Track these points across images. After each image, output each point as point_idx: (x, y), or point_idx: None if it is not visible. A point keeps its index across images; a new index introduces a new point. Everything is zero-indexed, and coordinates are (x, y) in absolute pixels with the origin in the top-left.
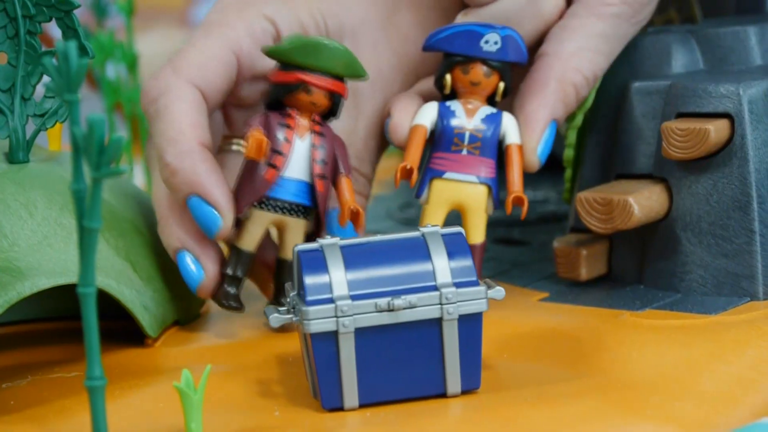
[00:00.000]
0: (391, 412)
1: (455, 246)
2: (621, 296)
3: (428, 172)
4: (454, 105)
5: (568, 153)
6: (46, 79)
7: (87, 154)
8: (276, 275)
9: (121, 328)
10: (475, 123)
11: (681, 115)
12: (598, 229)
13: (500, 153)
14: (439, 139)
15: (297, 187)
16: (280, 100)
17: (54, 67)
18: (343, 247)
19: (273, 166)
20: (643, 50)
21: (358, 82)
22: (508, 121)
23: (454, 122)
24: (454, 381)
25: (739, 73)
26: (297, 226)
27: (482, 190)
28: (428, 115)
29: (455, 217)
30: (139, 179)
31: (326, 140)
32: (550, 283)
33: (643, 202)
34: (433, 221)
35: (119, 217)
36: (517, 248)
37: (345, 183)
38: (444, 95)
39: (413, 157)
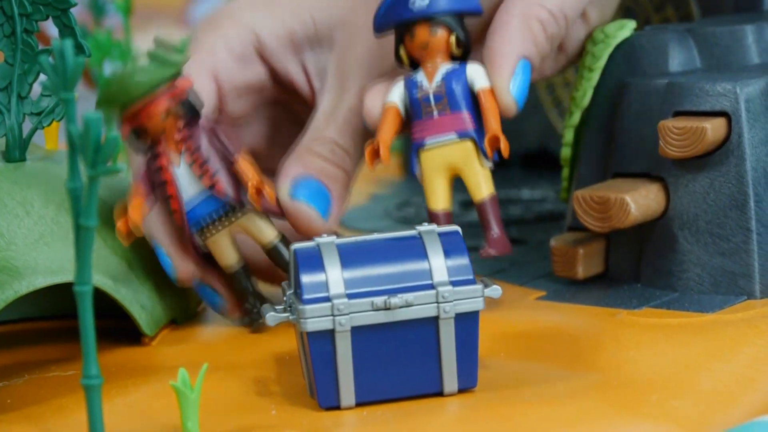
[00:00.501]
0: (387, 411)
1: (452, 244)
2: (618, 295)
3: (413, 146)
4: (417, 74)
5: (566, 152)
6: (42, 77)
7: (83, 152)
8: (274, 261)
9: (118, 326)
10: (436, 82)
11: (678, 114)
12: (595, 227)
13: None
14: (412, 111)
15: (208, 201)
16: (145, 145)
17: (50, 65)
18: (339, 246)
19: (174, 210)
20: (641, 48)
21: (348, 61)
22: (472, 69)
23: (418, 89)
24: (450, 380)
25: (736, 71)
26: (248, 220)
27: (467, 145)
28: (396, 92)
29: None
30: None
31: (197, 144)
32: (547, 281)
33: (640, 200)
34: (436, 192)
35: None
36: (515, 247)
37: (240, 165)
38: (411, 68)
39: (383, 136)
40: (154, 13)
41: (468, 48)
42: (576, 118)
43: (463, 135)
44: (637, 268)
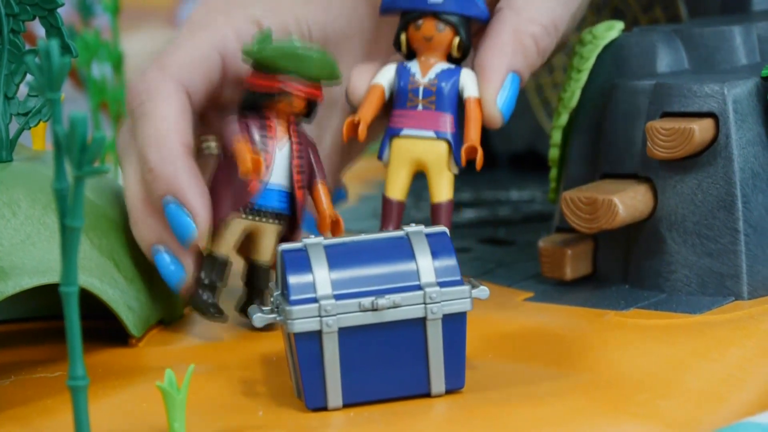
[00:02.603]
0: (375, 412)
1: (439, 245)
2: (606, 296)
3: (387, 131)
4: (412, 64)
5: (554, 152)
6: (29, 77)
7: (69, 152)
8: (249, 279)
9: (105, 327)
10: (429, 77)
11: (666, 115)
12: (583, 228)
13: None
14: (397, 98)
15: (278, 196)
16: (257, 105)
17: (36, 65)
18: (327, 247)
19: (255, 174)
20: (629, 49)
21: (336, 96)
22: (466, 75)
23: (410, 79)
24: (438, 381)
25: (724, 72)
26: (272, 231)
27: (442, 146)
28: (385, 75)
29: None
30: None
31: (303, 147)
32: (534, 282)
33: (627, 201)
34: (396, 182)
35: (102, 216)
36: (502, 248)
37: (322, 189)
38: (406, 57)
39: (363, 112)
40: (142, 13)
41: (466, 53)
42: (564, 119)
43: (440, 136)
44: (625, 269)
